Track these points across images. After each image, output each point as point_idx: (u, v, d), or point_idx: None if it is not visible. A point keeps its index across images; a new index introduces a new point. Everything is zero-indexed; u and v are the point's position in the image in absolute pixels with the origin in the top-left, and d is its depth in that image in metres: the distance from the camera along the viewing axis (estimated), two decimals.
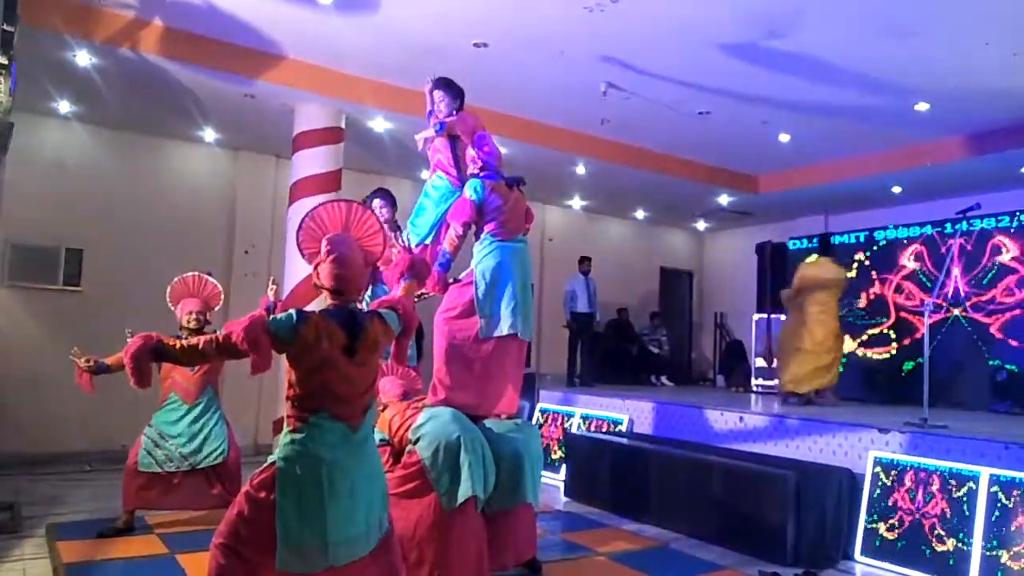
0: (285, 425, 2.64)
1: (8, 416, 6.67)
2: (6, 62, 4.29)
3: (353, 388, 2.65)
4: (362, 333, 2.68)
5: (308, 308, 2.83)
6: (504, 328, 4.08)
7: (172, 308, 5.08)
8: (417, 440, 3.77)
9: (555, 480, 6.82)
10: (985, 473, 4.36)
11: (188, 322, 4.99)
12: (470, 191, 4.16)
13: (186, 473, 4.87)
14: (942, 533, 4.40)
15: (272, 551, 2.48)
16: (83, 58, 5.89)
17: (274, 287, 5.06)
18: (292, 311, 2.63)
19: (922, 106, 6.93)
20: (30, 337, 6.95)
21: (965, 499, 4.37)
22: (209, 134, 8.01)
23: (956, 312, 8.32)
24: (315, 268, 2.78)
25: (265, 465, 2.62)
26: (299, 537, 2.49)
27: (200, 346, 2.57)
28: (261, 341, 2.51)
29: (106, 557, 4.24)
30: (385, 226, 4.88)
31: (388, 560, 2.71)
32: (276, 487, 2.52)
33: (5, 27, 3.80)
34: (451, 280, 4.24)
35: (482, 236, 4.21)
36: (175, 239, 7.87)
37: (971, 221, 7.27)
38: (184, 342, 2.62)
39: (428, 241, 4.51)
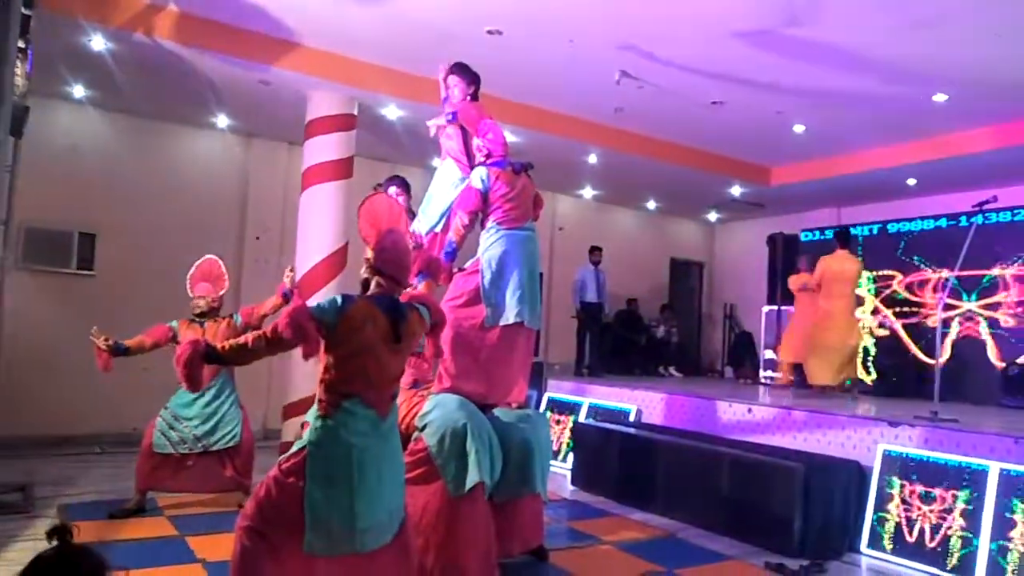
0: (316, 409, 2.68)
1: (20, 398, 6.74)
2: (23, 46, 4.31)
3: (386, 375, 2.71)
4: (404, 321, 2.74)
5: (319, 293, 2.87)
6: (510, 317, 4.08)
7: (191, 296, 5.15)
8: (424, 427, 3.79)
9: (562, 469, 6.84)
10: (995, 467, 4.34)
11: (196, 306, 5.05)
12: (476, 180, 4.15)
13: (199, 455, 4.91)
14: (950, 527, 4.40)
15: (297, 535, 2.51)
16: (98, 43, 5.91)
17: (291, 274, 5.11)
18: (337, 295, 2.68)
19: (940, 97, 6.85)
20: (43, 320, 7.01)
21: (974, 493, 4.36)
22: (222, 120, 8.03)
23: (969, 305, 8.26)
24: (375, 252, 2.83)
25: (294, 450, 2.66)
26: (327, 520, 2.52)
27: (249, 344, 2.63)
28: (307, 328, 2.56)
29: (116, 538, 4.29)
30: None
31: (404, 547, 2.76)
32: (306, 470, 2.55)
33: (23, 11, 3.81)
34: (456, 269, 4.25)
35: (489, 224, 4.20)
36: (187, 225, 7.90)
37: (987, 214, 7.20)
38: (232, 342, 2.69)
39: (438, 229, 4.51)
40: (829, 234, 10.02)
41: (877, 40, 5.78)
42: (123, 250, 7.66)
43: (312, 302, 2.75)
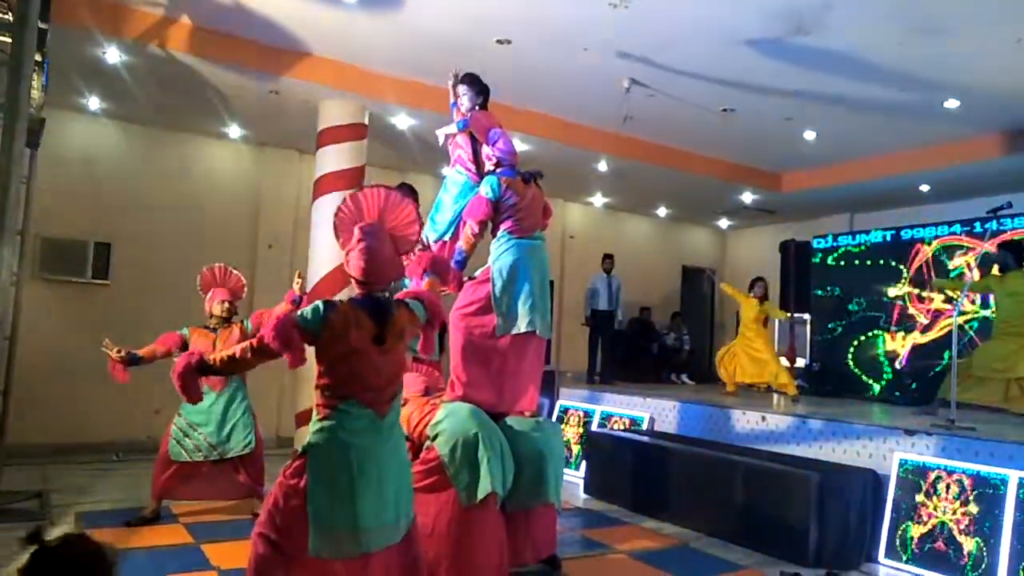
0: (314, 413, 2.69)
1: (37, 406, 6.80)
2: (39, 59, 4.37)
3: (380, 376, 2.69)
4: (389, 321, 2.73)
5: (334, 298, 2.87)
6: (521, 326, 4.08)
7: (202, 295, 5.19)
8: (435, 436, 3.79)
9: (575, 477, 6.82)
10: (1014, 476, 4.28)
11: (221, 312, 5.10)
12: (486, 188, 4.15)
13: (214, 463, 4.93)
14: (968, 537, 4.34)
15: (306, 539, 2.51)
16: (113, 55, 5.98)
17: (299, 280, 5.12)
18: (319, 302, 2.69)
19: (952, 103, 6.81)
20: (59, 329, 7.07)
21: (993, 502, 4.31)
22: (235, 130, 8.09)
23: (984, 312, 8.17)
24: (346, 255, 2.84)
25: (297, 455, 2.66)
26: (330, 521, 2.52)
27: (237, 355, 2.66)
28: (293, 338, 2.57)
29: (132, 546, 4.30)
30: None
31: (412, 552, 2.74)
32: (307, 473, 2.56)
33: (39, 25, 3.87)
34: (466, 278, 4.25)
35: (499, 233, 4.20)
36: (201, 234, 7.98)
37: (1001, 220, 7.12)
38: (223, 354, 2.72)
39: (447, 238, 4.51)
40: (842, 240, 9.93)
41: (886, 47, 5.76)
42: (138, 259, 7.73)
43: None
